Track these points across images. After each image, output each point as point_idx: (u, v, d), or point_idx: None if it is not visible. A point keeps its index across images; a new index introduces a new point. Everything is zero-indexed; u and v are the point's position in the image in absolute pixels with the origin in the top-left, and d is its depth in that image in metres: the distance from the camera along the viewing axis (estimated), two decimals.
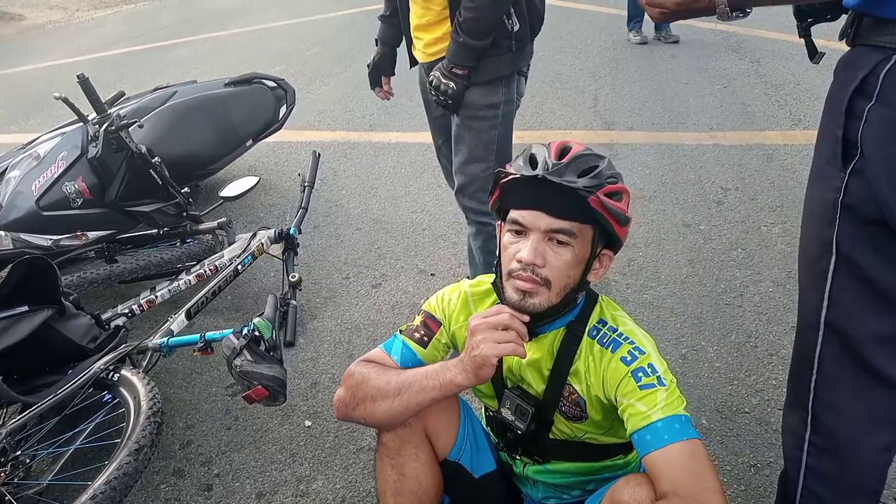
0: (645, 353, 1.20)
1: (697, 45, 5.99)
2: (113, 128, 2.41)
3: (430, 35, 1.95)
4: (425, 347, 1.38)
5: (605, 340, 1.25)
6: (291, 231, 2.60)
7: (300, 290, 2.52)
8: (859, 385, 1.12)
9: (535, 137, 4.22)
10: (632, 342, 1.22)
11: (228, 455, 2.00)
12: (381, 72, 2.28)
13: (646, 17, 6.10)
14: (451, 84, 1.85)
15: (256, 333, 1.89)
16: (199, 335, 2.01)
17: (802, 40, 1.29)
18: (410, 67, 2.21)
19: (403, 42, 2.17)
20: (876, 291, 1.06)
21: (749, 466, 1.84)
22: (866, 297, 1.07)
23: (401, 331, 1.42)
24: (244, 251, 2.49)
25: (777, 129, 4.01)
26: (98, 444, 1.79)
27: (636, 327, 1.27)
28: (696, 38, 6.21)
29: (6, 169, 2.58)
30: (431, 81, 1.91)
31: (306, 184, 2.81)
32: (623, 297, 2.59)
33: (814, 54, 1.27)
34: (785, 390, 2.01)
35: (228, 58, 6.75)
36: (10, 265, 1.88)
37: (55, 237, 2.47)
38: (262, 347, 1.88)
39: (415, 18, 1.98)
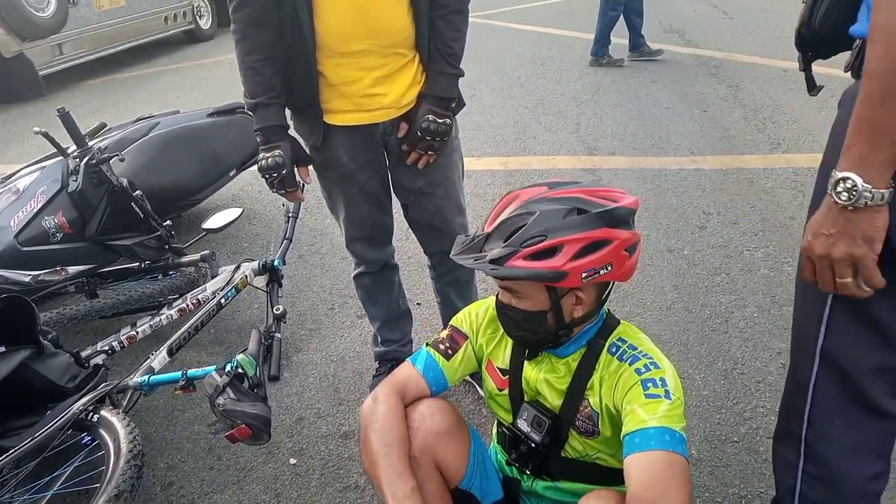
0: (660, 367, 1.24)
1: (676, 69, 6.08)
2: (94, 161, 2.39)
3: (401, 84, 1.75)
4: (448, 359, 1.46)
5: (624, 356, 1.29)
6: (276, 263, 2.58)
7: (285, 322, 2.50)
8: (854, 416, 1.13)
9: (518, 164, 4.24)
10: (650, 357, 1.26)
11: (211, 497, 1.96)
12: (300, 164, 1.82)
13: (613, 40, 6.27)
14: (447, 120, 1.76)
15: (240, 370, 1.86)
16: (181, 372, 1.97)
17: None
18: (319, 143, 1.81)
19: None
20: (874, 324, 1.06)
21: (739, 497, 1.83)
22: (864, 330, 1.07)
23: (427, 343, 1.50)
24: (227, 284, 2.47)
25: (757, 153, 4.06)
26: (77, 488, 1.74)
27: (656, 348, 1.31)
28: (674, 62, 6.31)
29: None
30: (425, 127, 1.73)
31: (290, 214, 2.80)
32: None
33: (812, 87, 1.29)
34: (773, 419, 2.02)
35: (212, 85, 6.75)
36: None
37: (34, 272, 2.42)
38: (246, 385, 1.85)
39: (372, 73, 1.71)
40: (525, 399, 1.43)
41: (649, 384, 1.20)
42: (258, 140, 1.77)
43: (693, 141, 4.38)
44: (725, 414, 2.11)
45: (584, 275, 1.19)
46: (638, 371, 1.24)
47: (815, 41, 1.21)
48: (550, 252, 1.19)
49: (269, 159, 1.74)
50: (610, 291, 1.34)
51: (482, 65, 6.66)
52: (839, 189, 0.92)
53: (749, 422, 2.07)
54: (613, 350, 1.31)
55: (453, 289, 2.19)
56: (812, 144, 4.09)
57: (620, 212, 1.23)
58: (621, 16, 6.22)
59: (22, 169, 2.80)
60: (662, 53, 6.42)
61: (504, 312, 1.34)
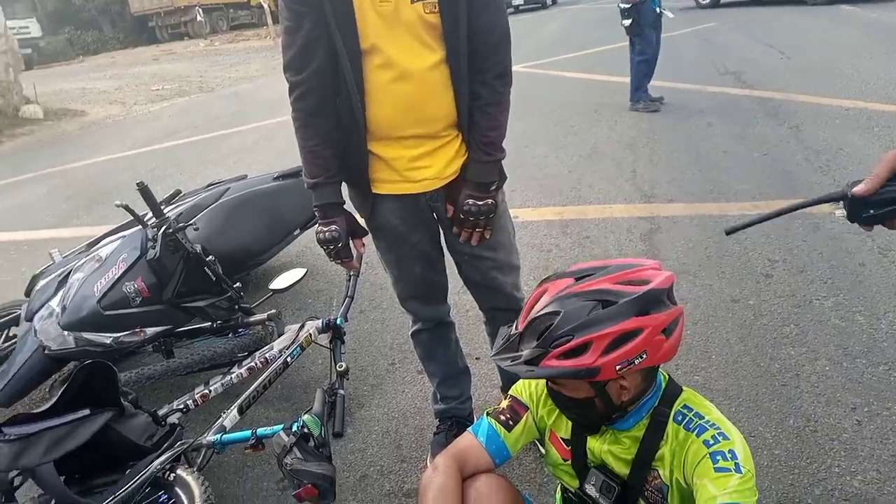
0: (729, 439, 1.21)
1: (733, 111, 6.02)
2: (170, 230, 2.55)
3: (444, 158, 1.83)
4: (510, 430, 1.48)
5: (691, 425, 1.27)
6: (338, 321, 2.65)
7: (347, 378, 2.56)
8: None
9: (574, 213, 4.26)
10: (717, 428, 1.24)
11: None
12: (354, 238, 1.95)
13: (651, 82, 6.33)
14: (489, 200, 1.83)
15: (306, 430, 1.92)
16: (250, 431, 2.05)
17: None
18: (369, 214, 1.93)
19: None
20: None
21: None
22: None
23: (487, 413, 1.52)
24: (293, 343, 2.55)
25: None
26: None
27: (723, 416, 1.28)
28: (731, 104, 6.26)
29: (70, 272, 2.72)
30: (466, 210, 1.81)
31: (352, 273, 2.89)
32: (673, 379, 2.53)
33: None
34: (849, 479, 1.94)
35: (276, 145, 7.07)
36: (74, 370, 1.97)
37: (115, 335, 2.58)
38: (312, 444, 1.91)
39: (418, 150, 1.81)
40: (590, 465, 1.42)
41: (718, 457, 1.18)
42: (317, 215, 1.88)
43: (754, 185, 4.30)
44: (798, 475, 2.03)
45: (617, 367, 1.19)
46: (706, 443, 1.21)
47: None
48: (580, 350, 1.19)
49: (327, 233, 1.85)
50: (657, 370, 1.33)
51: (536, 115, 6.75)
52: None
53: (823, 483, 1.98)
54: (679, 419, 1.29)
55: None
56: None
57: (650, 295, 1.21)
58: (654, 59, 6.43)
59: (104, 237, 2.99)
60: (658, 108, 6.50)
61: (555, 397, 1.37)
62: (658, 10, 6.22)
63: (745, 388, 2.44)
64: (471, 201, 1.82)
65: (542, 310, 1.25)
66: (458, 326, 3.14)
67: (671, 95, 6.70)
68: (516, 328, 1.29)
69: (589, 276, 1.27)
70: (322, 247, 1.89)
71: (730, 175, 4.54)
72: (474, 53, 1.74)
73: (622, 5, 6.18)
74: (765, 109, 5.95)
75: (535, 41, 12.79)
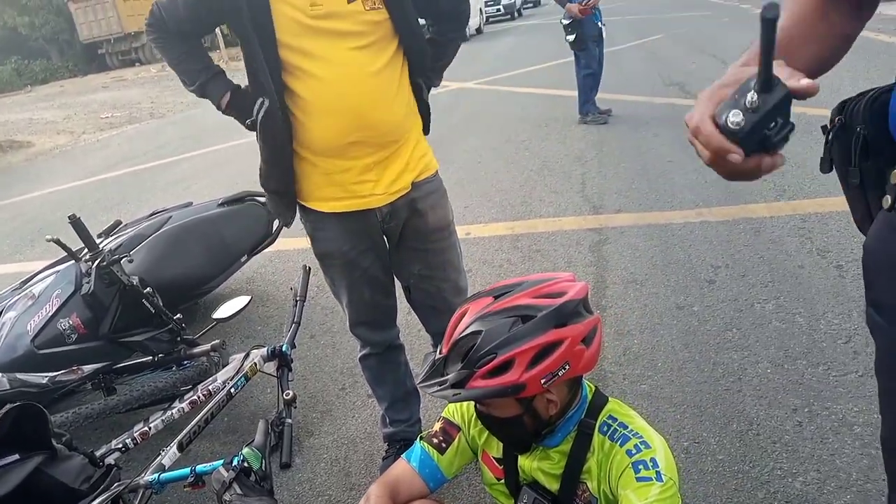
0: (651, 447, 1.23)
1: (679, 122, 6.12)
2: (104, 263, 2.48)
3: (393, 171, 1.79)
4: (443, 453, 1.47)
5: (615, 436, 1.28)
6: (284, 348, 2.60)
7: (295, 406, 2.51)
8: None
9: (525, 228, 4.29)
10: (640, 437, 1.25)
11: None
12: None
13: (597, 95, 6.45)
14: None
15: (246, 464, 1.87)
16: (189, 469, 1.99)
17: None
18: (290, 222, 1.93)
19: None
20: None
21: None
22: None
23: (421, 437, 1.51)
24: (237, 373, 2.49)
25: (762, 202, 4.05)
26: None
27: (647, 425, 1.30)
28: (676, 115, 6.40)
29: (2, 311, 2.63)
30: None
31: (298, 298, 2.85)
32: (620, 389, 2.55)
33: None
34: (790, 481, 1.97)
35: (228, 169, 6.97)
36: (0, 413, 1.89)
37: (51, 374, 2.49)
38: (252, 479, 1.86)
39: (364, 161, 1.74)
40: (522, 483, 1.42)
41: (640, 466, 1.20)
42: (227, 109, 1.80)
43: (698, 193, 4.39)
44: (742, 479, 2.05)
45: (542, 381, 1.19)
46: (629, 452, 1.23)
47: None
48: (504, 368, 1.19)
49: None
50: (581, 381, 1.34)
51: (487, 131, 6.80)
52: None
53: (766, 486, 2.01)
54: (605, 429, 1.31)
55: None
56: (817, 189, 4.09)
57: (567, 307, 1.22)
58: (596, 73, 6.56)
59: (39, 273, 2.90)
60: (606, 120, 6.63)
61: (483, 420, 1.36)
62: (600, 24, 6.35)
63: (689, 394, 2.46)
64: None
65: (464, 331, 1.25)
66: (409, 346, 3.11)
67: (619, 107, 6.82)
68: (440, 352, 1.28)
69: (508, 292, 1.27)
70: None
71: (674, 184, 4.63)
72: (440, 40, 1.77)
73: (564, 21, 6.28)
74: None
75: (488, 56, 12.93)
